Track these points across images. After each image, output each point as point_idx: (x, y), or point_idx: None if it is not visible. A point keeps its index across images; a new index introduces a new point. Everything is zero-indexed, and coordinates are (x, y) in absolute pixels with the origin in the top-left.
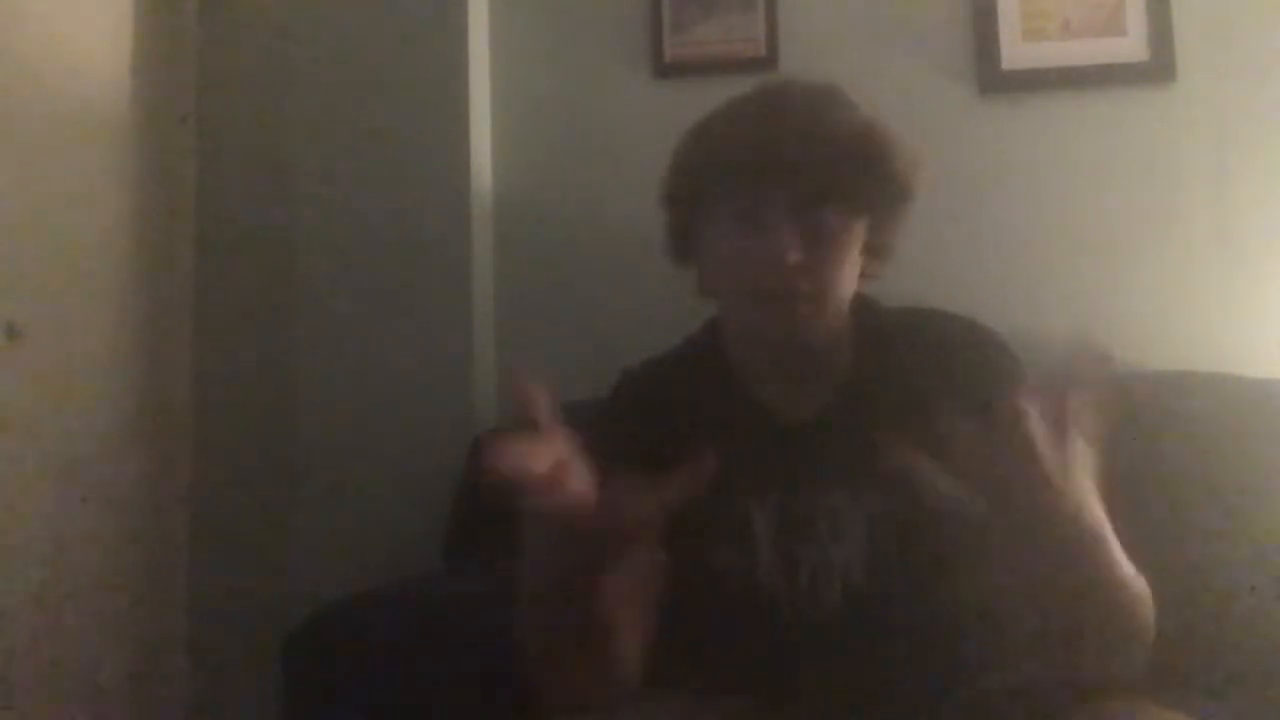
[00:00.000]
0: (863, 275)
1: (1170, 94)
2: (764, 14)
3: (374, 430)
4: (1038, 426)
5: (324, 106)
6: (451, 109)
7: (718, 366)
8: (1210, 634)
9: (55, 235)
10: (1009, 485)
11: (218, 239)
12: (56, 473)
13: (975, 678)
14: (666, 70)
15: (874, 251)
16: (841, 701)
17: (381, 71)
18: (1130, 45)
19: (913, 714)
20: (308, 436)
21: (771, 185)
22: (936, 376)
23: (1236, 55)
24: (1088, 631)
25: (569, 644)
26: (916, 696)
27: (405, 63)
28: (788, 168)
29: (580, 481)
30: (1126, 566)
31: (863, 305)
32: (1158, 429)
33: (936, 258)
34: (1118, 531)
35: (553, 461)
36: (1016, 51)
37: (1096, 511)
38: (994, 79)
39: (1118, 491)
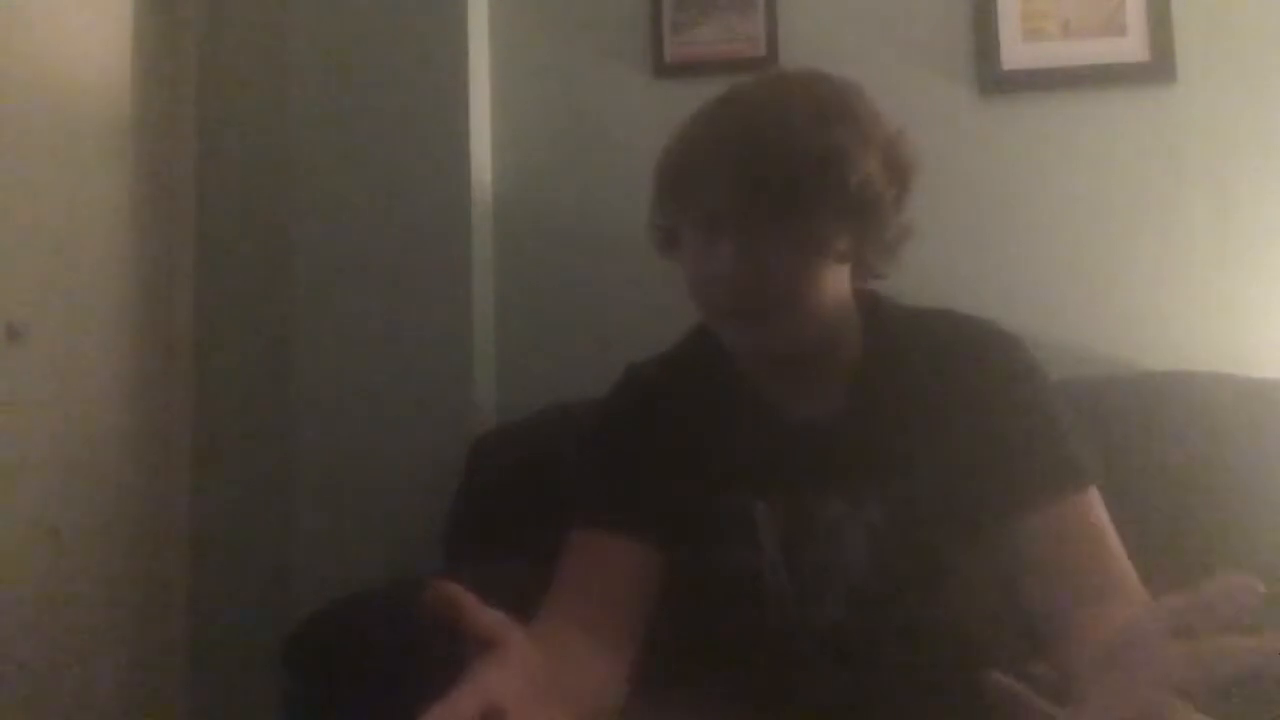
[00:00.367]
0: (867, 276)
1: (1170, 94)
2: (764, 14)
3: (374, 430)
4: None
5: (324, 106)
6: (451, 109)
7: (725, 365)
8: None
9: (55, 235)
10: None
11: (218, 239)
12: (56, 472)
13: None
14: (666, 70)
15: (865, 255)
16: (842, 703)
17: (381, 71)
18: (1130, 45)
19: (914, 717)
20: (308, 436)
21: (734, 194)
22: (949, 378)
23: (1236, 55)
24: None
25: None
26: (918, 699)
27: (405, 63)
28: (737, 178)
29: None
30: None
31: (873, 304)
32: (1158, 429)
33: (936, 257)
34: (1118, 531)
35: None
36: (1016, 51)
37: None
38: (994, 79)
39: (1118, 492)
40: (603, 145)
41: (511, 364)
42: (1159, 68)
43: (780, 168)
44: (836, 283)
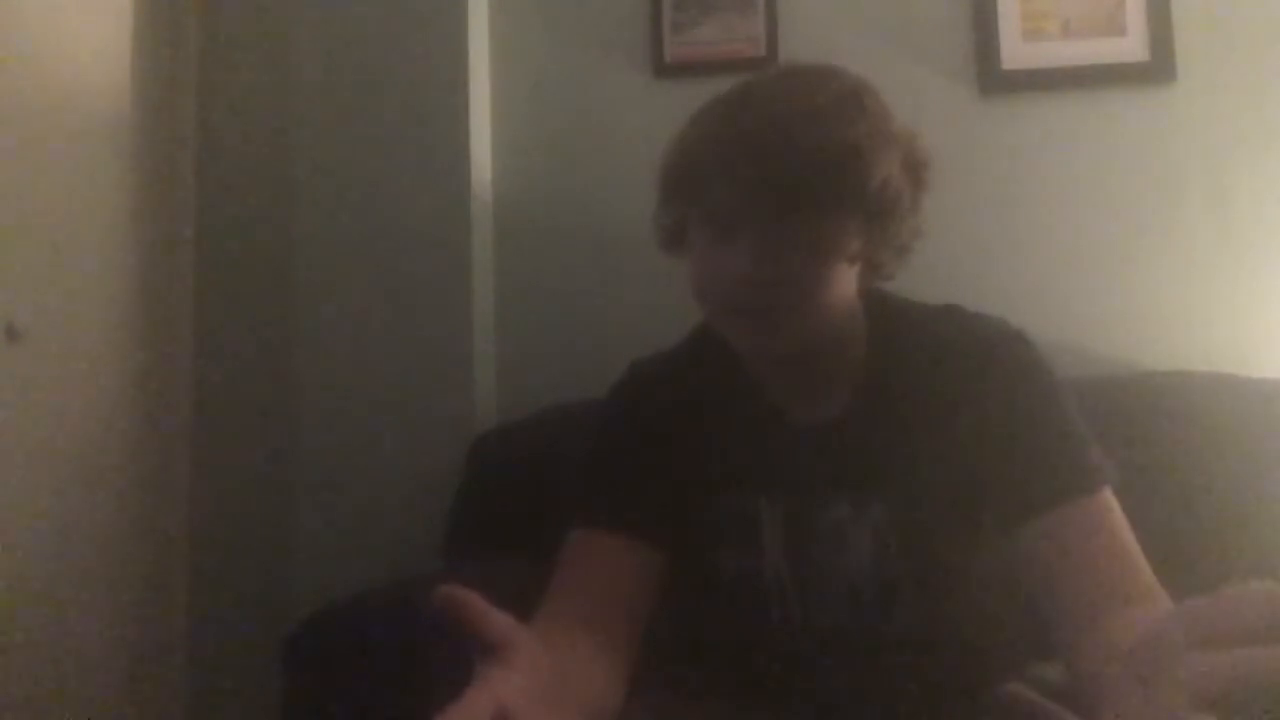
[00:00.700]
0: (875, 275)
1: (1170, 94)
2: (764, 14)
3: (374, 430)
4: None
5: (324, 107)
6: (451, 109)
7: (729, 364)
8: None
9: (55, 235)
10: None
11: (218, 239)
12: (56, 473)
13: (979, 683)
14: (666, 70)
15: (878, 256)
16: (843, 705)
17: (381, 71)
18: (1130, 45)
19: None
20: (308, 436)
21: (741, 192)
22: (956, 379)
23: (1236, 55)
24: None
25: None
26: (919, 701)
27: (405, 63)
28: (756, 176)
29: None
30: None
31: (879, 303)
32: (1158, 429)
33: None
34: None
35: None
36: (1016, 51)
37: None
38: (994, 79)
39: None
40: (603, 145)
41: (511, 364)
42: (1159, 68)
43: (800, 166)
44: (846, 283)
